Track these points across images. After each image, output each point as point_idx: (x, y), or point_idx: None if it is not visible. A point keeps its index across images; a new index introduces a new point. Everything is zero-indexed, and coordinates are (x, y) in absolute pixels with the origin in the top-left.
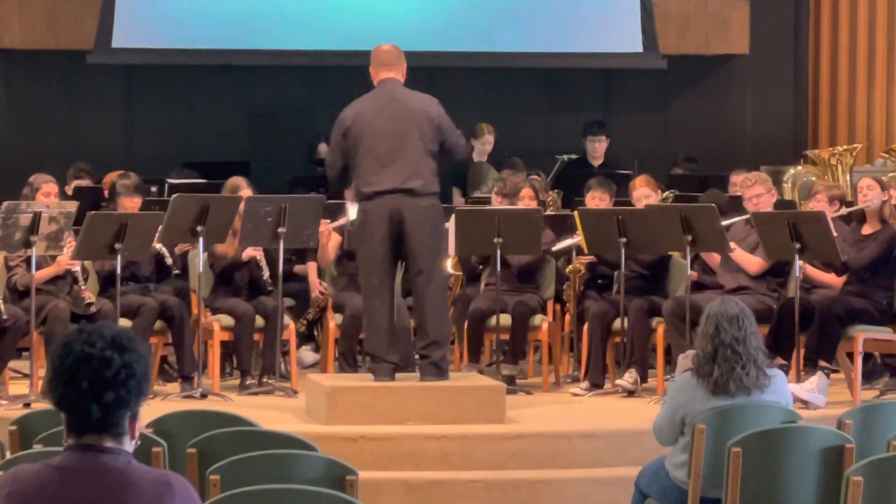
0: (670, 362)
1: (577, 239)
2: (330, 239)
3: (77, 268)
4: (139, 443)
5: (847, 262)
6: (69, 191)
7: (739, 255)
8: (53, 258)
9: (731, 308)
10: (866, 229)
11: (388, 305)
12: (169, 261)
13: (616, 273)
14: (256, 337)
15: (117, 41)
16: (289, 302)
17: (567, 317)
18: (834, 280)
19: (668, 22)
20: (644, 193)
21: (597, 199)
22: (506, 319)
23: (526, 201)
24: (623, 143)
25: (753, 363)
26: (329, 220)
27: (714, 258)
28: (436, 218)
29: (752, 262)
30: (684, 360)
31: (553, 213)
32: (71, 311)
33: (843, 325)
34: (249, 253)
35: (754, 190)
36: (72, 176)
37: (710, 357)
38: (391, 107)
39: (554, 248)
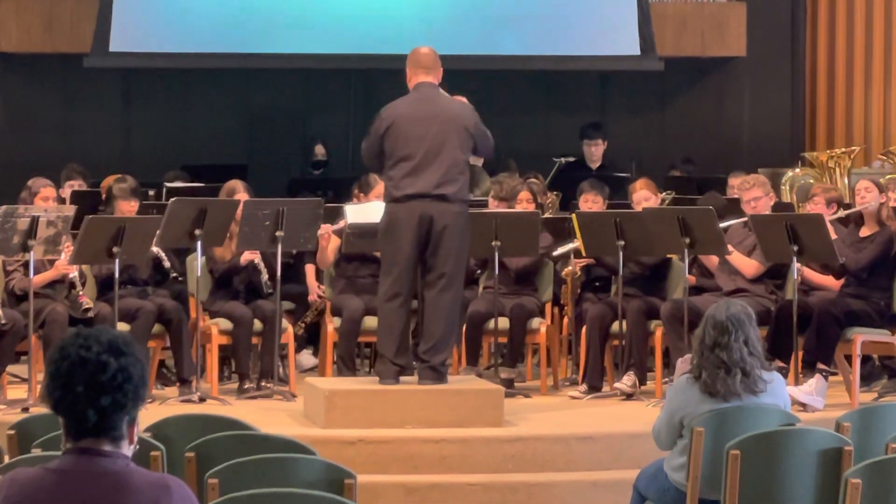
0: (668, 365)
1: (578, 244)
2: (329, 242)
3: (75, 273)
4: (137, 447)
5: (845, 265)
6: (63, 193)
7: (736, 258)
8: (52, 262)
9: (720, 313)
10: (864, 231)
11: (406, 309)
12: (167, 264)
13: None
14: (255, 340)
15: (114, 45)
16: (287, 305)
17: (565, 319)
18: (832, 282)
19: (664, 24)
20: (644, 196)
21: (589, 201)
22: (504, 322)
23: (524, 204)
24: (620, 145)
25: (741, 370)
26: (329, 224)
27: (712, 260)
28: (464, 224)
29: (749, 266)
30: (683, 364)
31: (551, 215)
32: (69, 314)
33: (841, 327)
34: (247, 257)
35: (752, 193)
36: (65, 177)
37: (698, 360)
38: (430, 112)
39: (554, 254)
